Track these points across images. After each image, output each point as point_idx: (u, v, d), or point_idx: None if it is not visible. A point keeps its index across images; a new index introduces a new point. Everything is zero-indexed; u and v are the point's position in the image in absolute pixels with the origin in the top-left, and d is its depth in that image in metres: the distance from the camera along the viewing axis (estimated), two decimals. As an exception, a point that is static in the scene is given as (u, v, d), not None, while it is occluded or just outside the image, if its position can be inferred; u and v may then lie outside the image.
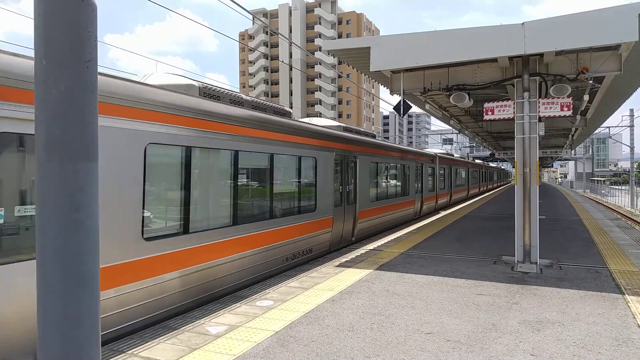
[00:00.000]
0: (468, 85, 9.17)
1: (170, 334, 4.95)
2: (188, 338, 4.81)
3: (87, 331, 1.36)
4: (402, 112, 8.97)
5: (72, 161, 1.35)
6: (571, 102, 8.13)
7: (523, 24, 7.52)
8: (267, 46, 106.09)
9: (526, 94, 8.29)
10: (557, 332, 4.98)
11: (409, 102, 9.98)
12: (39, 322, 1.34)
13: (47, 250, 1.35)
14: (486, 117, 8.73)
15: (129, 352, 4.47)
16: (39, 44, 1.34)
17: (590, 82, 8.65)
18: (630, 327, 5.12)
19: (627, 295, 6.41)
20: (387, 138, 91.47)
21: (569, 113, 8.15)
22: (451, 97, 9.27)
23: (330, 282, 7.21)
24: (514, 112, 8.45)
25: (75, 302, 1.35)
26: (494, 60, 8.56)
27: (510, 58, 8.40)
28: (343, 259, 9.06)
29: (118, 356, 4.38)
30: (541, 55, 8.13)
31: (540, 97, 8.50)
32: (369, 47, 8.63)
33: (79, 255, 1.36)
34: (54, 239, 1.34)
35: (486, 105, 8.70)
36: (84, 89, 1.37)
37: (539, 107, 8.26)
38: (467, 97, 9.08)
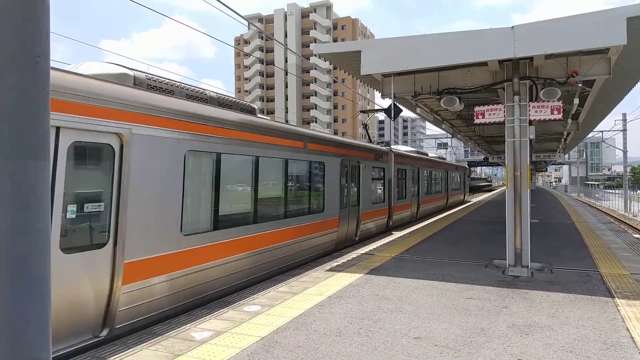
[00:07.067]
0: (459, 88, 9.17)
1: (154, 340, 4.87)
2: (172, 344, 4.73)
3: (36, 335, 1.30)
4: (392, 115, 8.95)
5: (20, 159, 1.30)
6: (561, 105, 8.13)
7: (513, 27, 7.53)
8: (262, 51, 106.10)
9: (516, 98, 8.30)
10: (546, 336, 4.94)
11: (400, 105, 9.97)
12: (-17, 326, 1.28)
13: (-6, 253, 1.29)
14: (477, 121, 8.72)
15: (111, 358, 4.38)
16: (-16, 37, 1.28)
17: (580, 85, 8.66)
18: (619, 331, 5.08)
19: (617, 299, 6.38)
20: (382, 143, 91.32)
21: (559, 116, 8.16)
22: (442, 101, 9.26)
23: (320, 286, 7.14)
24: (504, 116, 8.45)
25: (24, 305, 1.29)
26: (485, 64, 8.56)
27: (501, 62, 8.41)
28: (334, 263, 9.00)
29: (99, 363, 4.30)
30: (531, 58, 8.14)
31: (530, 100, 8.50)
32: (360, 50, 8.63)
33: (27, 257, 1.30)
34: (1, 240, 1.28)
35: (477, 108, 8.69)
36: (34, 85, 1.32)
37: (529, 110, 8.26)
38: (457, 100, 9.08)
